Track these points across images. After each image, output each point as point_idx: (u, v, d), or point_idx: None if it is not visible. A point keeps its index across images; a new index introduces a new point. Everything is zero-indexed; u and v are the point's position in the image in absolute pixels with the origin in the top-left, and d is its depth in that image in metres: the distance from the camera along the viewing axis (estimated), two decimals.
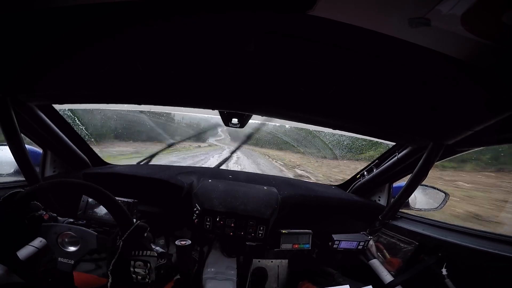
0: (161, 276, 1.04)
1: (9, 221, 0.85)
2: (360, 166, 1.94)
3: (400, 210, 1.68)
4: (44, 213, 1.01)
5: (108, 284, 0.78)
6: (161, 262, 1.04)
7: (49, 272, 1.20)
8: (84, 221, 1.29)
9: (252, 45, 0.81)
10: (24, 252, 1.19)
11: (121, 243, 0.82)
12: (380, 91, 1.00)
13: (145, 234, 0.89)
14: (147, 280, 0.82)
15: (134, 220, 0.90)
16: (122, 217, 0.91)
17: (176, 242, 1.16)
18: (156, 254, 0.89)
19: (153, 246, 1.19)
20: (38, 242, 1.25)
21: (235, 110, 1.31)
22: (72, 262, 0.97)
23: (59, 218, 1.10)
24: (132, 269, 0.80)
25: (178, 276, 1.22)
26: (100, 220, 1.35)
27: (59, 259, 0.96)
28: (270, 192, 1.59)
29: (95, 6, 0.65)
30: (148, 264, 0.84)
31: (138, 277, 0.80)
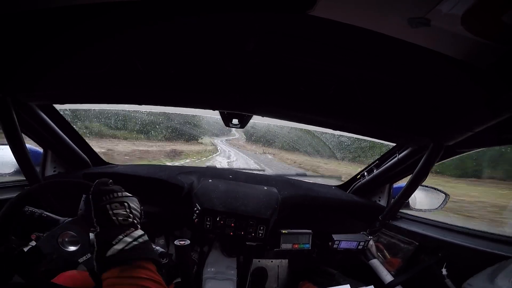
0: (163, 275, 1.04)
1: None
2: None
3: (400, 210, 1.68)
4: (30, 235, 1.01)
5: (94, 235, 0.78)
6: (163, 262, 1.03)
7: (49, 272, 1.20)
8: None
9: (252, 45, 0.81)
10: None
11: (91, 196, 0.84)
12: (380, 91, 1.00)
13: (109, 184, 0.89)
14: (130, 220, 0.81)
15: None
16: (81, 184, 0.98)
17: (175, 242, 1.16)
18: (132, 195, 0.89)
19: (153, 246, 1.19)
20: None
21: (235, 111, 1.30)
22: (89, 255, 0.96)
23: (59, 218, 1.10)
24: (110, 212, 0.79)
25: (178, 280, 1.21)
26: None
27: (80, 260, 0.96)
28: (270, 192, 1.59)
29: (95, 6, 0.65)
30: (126, 204, 0.83)
31: (119, 218, 0.79)
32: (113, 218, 0.79)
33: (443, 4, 0.56)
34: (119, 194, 0.85)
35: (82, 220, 0.99)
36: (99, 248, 0.74)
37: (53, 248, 0.95)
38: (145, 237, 0.81)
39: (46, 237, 0.95)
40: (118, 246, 0.73)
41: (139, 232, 0.80)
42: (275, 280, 1.96)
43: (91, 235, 0.92)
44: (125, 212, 0.81)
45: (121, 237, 0.75)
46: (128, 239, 0.75)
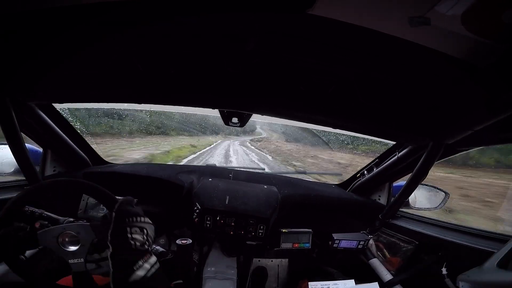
0: (168, 272, 1.04)
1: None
2: None
3: (400, 209, 1.68)
4: (34, 223, 1.01)
5: (109, 254, 0.78)
6: (168, 257, 1.04)
7: (50, 272, 1.20)
8: (85, 221, 1.30)
9: (252, 45, 0.81)
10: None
11: (114, 214, 0.84)
12: (379, 91, 0.99)
13: (134, 205, 0.89)
14: (146, 246, 0.82)
15: None
16: (106, 196, 0.94)
17: (177, 241, 1.16)
18: (151, 222, 0.89)
19: (154, 246, 1.19)
20: None
21: (235, 109, 1.30)
22: (82, 260, 0.97)
23: (59, 218, 1.10)
24: (129, 235, 0.80)
25: (179, 281, 1.22)
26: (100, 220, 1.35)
27: (70, 261, 0.96)
28: (270, 191, 1.59)
29: (95, 5, 0.65)
30: (145, 230, 0.84)
31: (137, 243, 0.80)
32: (131, 242, 0.80)
33: (443, 3, 0.56)
34: (141, 219, 0.87)
35: (93, 228, 0.99)
36: (118, 270, 0.75)
37: (51, 245, 0.95)
38: (158, 263, 0.83)
39: (47, 232, 0.95)
40: (140, 273, 0.75)
41: (154, 258, 0.83)
42: (275, 280, 1.96)
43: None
44: (142, 239, 0.83)
45: (141, 263, 0.77)
46: (147, 266, 0.78)
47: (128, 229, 0.81)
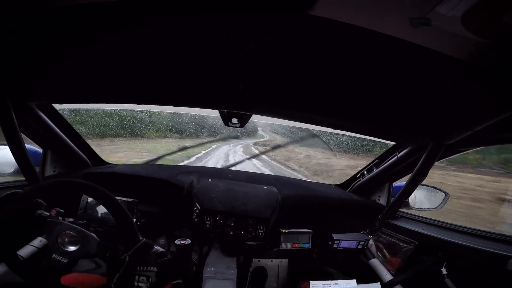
0: (167, 272, 1.06)
1: (9, 220, 0.86)
2: None
3: (400, 209, 1.68)
4: (51, 209, 1.02)
5: None
6: (167, 258, 1.05)
7: (50, 272, 1.20)
8: (85, 221, 1.30)
9: (252, 45, 0.81)
10: (24, 252, 1.19)
11: (127, 258, 0.85)
12: (380, 90, 1.00)
13: (151, 251, 0.92)
14: None
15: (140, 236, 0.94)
16: (131, 231, 0.94)
17: (176, 242, 1.16)
18: (156, 270, 0.92)
19: (154, 246, 1.20)
20: (38, 241, 1.25)
21: (235, 110, 1.30)
22: (66, 261, 0.97)
23: (60, 218, 1.10)
24: (136, 284, 0.83)
25: (178, 281, 1.22)
26: (100, 220, 1.35)
27: (54, 255, 0.96)
28: (270, 191, 1.59)
29: (94, 5, 0.65)
30: (150, 279, 0.87)
31: None
32: None
33: (444, 4, 0.56)
34: (151, 268, 0.90)
35: (100, 246, 0.99)
36: None
37: (50, 236, 0.95)
38: None
39: (56, 223, 0.96)
40: None
41: None
42: (275, 280, 1.96)
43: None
44: (146, 287, 0.86)
45: None
46: None
47: (136, 277, 0.85)
